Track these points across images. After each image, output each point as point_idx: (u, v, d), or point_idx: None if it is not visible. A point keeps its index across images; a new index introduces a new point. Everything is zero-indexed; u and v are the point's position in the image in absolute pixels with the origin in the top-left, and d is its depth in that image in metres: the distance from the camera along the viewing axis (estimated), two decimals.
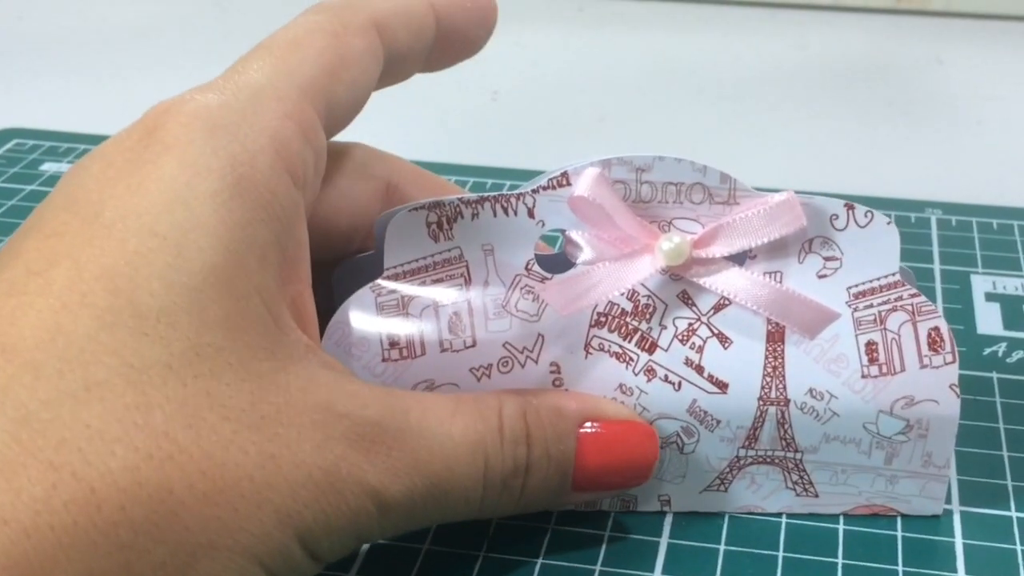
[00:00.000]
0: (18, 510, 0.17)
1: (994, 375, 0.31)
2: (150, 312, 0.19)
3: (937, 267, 0.36)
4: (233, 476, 0.18)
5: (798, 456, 0.26)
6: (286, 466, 0.19)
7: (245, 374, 0.19)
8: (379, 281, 0.26)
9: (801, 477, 0.26)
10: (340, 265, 0.28)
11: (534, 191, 0.25)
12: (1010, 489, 0.27)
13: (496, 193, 0.25)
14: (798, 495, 0.26)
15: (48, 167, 0.43)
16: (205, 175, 0.20)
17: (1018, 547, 0.26)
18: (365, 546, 0.26)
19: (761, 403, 0.25)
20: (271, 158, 0.21)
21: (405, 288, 0.26)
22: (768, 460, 0.26)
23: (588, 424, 0.23)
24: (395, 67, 0.25)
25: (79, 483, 0.17)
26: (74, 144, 0.44)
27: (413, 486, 0.21)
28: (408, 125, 0.48)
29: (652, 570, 0.25)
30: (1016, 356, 0.32)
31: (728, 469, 0.26)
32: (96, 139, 0.45)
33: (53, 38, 0.56)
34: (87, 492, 0.17)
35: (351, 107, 0.23)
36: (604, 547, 0.26)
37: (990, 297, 0.35)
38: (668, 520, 0.26)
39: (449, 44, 0.25)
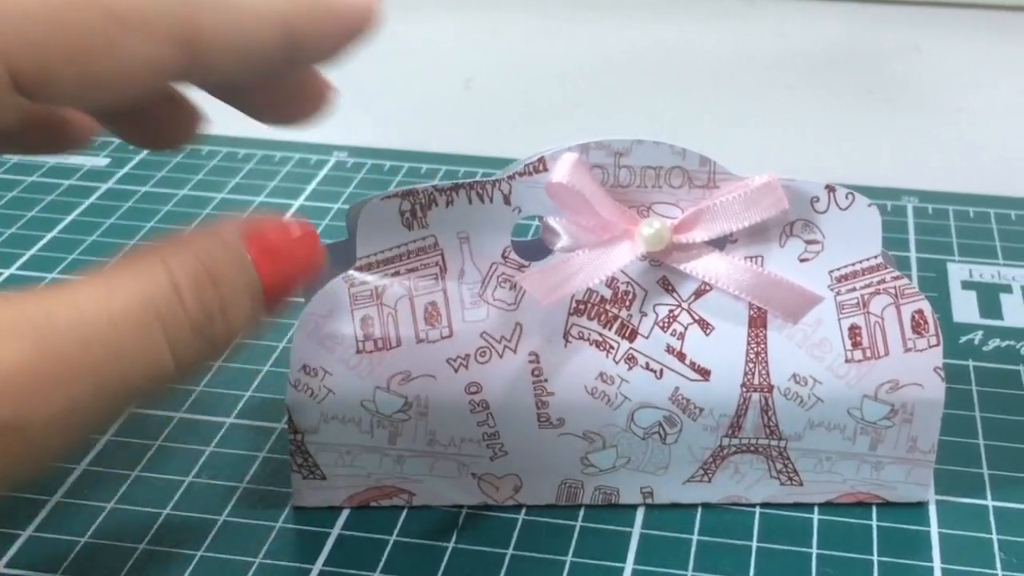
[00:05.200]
0: None
1: (970, 363, 0.31)
2: None
3: (913, 255, 0.36)
4: None
5: (782, 444, 0.26)
6: None
7: None
8: (351, 271, 0.25)
9: (785, 465, 0.26)
10: None
11: (510, 177, 0.25)
12: (986, 478, 0.27)
13: (471, 180, 0.25)
14: (782, 484, 0.26)
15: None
16: None
17: (994, 536, 0.25)
18: (331, 536, 0.25)
19: (744, 390, 0.25)
20: None
21: (378, 278, 0.25)
22: (752, 449, 0.26)
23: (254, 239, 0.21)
24: (218, 84, 0.22)
25: None
26: None
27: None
28: (382, 112, 0.47)
29: (624, 561, 0.25)
30: (992, 344, 0.32)
31: (711, 459, 0.26)
32: None
33: None
34: None
35: (79, 89, 0.20)
36: (576, 538, 0.25)
37: (966, 285, 0.35)
38: (641, 510, 0.26)
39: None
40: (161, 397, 0.23)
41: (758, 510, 0.26)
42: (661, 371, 0.25)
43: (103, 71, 0.20)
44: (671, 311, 0.25)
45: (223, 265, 0.20)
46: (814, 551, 0.25)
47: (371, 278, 0.25)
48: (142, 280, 0.20)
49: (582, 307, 0.25)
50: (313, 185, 0.40)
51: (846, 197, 0.25)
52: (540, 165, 0.25)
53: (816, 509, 0.26)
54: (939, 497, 0.26)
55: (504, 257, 0.25)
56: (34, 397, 0.18)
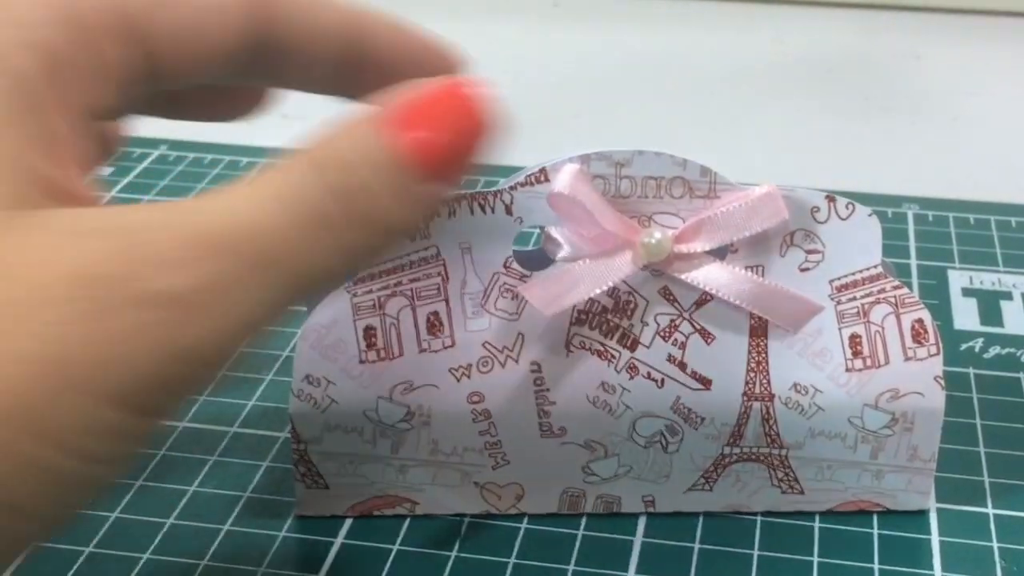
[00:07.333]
0: None
1: (971, 371, 0.31)
2: None
3: (914, 262, 0.36)
4: None
5: (783, 452, 0.26)
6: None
7: None
8: (354, 282, 0.25)
9: (786, 474, 0.26)
10: None
11: (512, 188, 0.25)
12: (987, 486, 0.27)
13: (473, 190, 0.25)
14: (784, 492, 0.26)
15: None
16: None
17: (994, 544, 0.25)
18: (334, 545, 0.25)
19: (745, 399, 0.25)
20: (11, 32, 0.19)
21: (381, 288, 0.25)
22: (753, 457, 0.26)
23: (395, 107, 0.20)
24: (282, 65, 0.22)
25: None
26: None
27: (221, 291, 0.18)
28: None
29: (626, 570, 0.25)
30: (993, 352, 0.32)
31: (713, 467, 0.26)
32: None
33: None
34: None
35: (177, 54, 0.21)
36: (578, 547, 0.25)
37: (967, 292, 0.35)
38: (642, 519, 0.26)
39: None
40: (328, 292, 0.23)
41: (759, 518, 0.26)
42: (662, 380, 0.25)
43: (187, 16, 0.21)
44: (672, 321, 0.25)
45: (341, 142, 0.19)
46: (815, 559, 0.25)
47: (374, 288, 0.25)
48: (293, 183, 0.19)
49: (584, 317, 0.25)
50: None
51: (846, 207, 0.25)
52: (542, 176, 0.25)
53: (817, 517, 0.26)
54: (940, 505, 0.26)
55: (506, 267, 0.25)
56: (210, 309, 0.18)
